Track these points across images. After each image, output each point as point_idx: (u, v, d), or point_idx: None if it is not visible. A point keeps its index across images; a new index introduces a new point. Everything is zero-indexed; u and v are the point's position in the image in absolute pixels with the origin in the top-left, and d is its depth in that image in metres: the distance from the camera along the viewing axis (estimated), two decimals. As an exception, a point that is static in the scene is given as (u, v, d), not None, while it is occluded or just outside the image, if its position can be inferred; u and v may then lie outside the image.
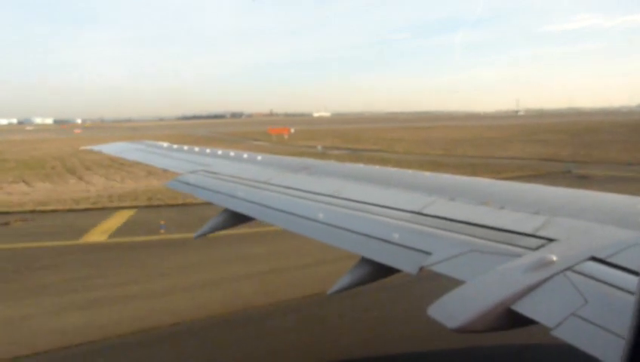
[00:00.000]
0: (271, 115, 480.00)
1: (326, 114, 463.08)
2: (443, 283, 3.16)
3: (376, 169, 7.09)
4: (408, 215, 4.36)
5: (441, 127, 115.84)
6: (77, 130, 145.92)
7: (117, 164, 40.30)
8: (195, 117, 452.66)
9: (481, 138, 70.87)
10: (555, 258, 2.78)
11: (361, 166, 7.51)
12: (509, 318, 2.50)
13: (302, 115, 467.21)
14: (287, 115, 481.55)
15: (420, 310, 3.36)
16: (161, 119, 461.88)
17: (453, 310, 2.62)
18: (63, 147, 67.14)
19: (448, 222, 3.98)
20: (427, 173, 6.14)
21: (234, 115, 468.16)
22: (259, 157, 8.48)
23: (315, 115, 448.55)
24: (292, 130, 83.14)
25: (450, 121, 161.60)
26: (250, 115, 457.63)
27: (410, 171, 6.38)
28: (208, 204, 6.73)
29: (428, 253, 3.51)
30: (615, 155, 42.66)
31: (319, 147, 58.38)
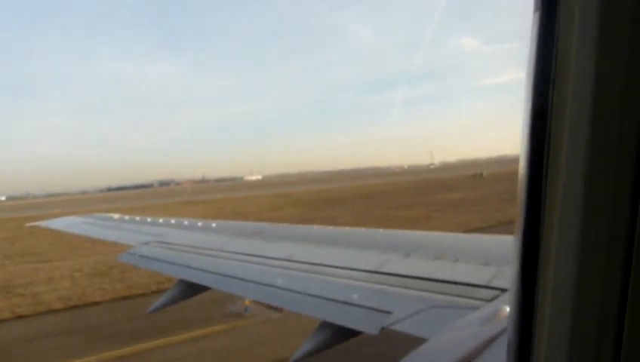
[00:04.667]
0: (203, 180, 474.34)
1: (257, 177, 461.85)
2: (405, 342, 3.03)
3: (329, 229, 7.23)
4: (365, 274, 4.35)
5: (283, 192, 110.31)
6: None
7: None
8: (120, 188, 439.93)
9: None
10: (507, 308, 2.66)
11: (314, 227, 7.70)
12: None
13: (234, 178, 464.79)
14: (219, 179, 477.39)
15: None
16: (84, 192, 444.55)
17: None
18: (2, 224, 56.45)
19: (405, 279, 4.00)
20: (380, 231, 6.38)
21: (162, 184, 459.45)
22: (213, 225, 8.46)
23: (246, 178, 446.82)
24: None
25: (332, 181, 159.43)
26: (179, 183, 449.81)
27: (363, 230, 6.92)
28: None
29: (388, 312, 3.51)
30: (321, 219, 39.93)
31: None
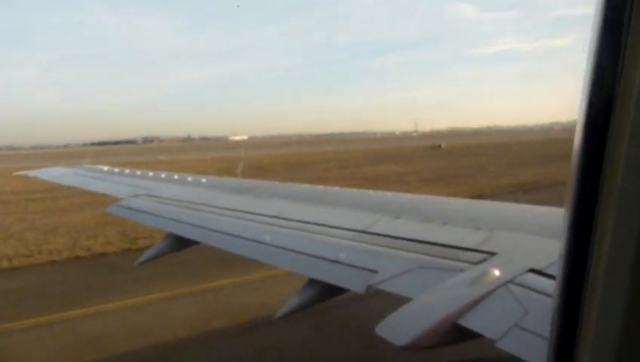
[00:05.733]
0: (187, 139, 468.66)
1: (243, 137, 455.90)
2: (392, 301, 2.98)
3: (321, 189, 7.16)
4: (354, 234, 4.37)
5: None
6: None
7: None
8: (103, 143, 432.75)
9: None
10: (496, 271, 2.83)
11: (306, 186, 7.54)
12: (456, 333, 2.54)
13: (218, 138, 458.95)
14: (203, 138, 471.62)
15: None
16: (67, 145, 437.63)
17: (401, 327, 2.64)
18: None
19: (394, 240, 4.00)
20: (371, 192, 6.33)
21: (146, 140, 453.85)
22: (203, 180, 8.42)
23: (231, 138, 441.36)
24: None
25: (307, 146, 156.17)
26: (162, 140, 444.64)
27: (354, 190, 6.61)
28: None
29: (375, 271, 3.52)
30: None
31: None
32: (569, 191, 0.92)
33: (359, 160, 65.20)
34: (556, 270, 1.02)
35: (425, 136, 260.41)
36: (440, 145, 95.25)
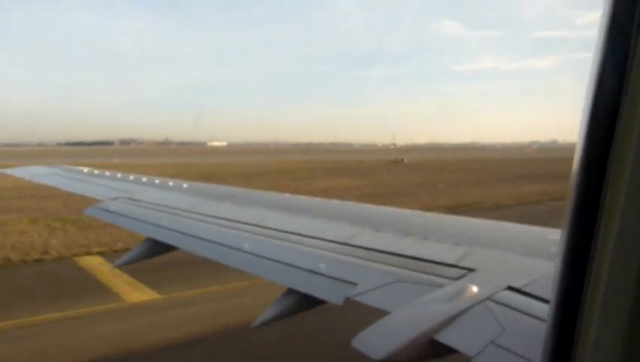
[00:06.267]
0: (165, 143, 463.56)
1: (221, 143, 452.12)
2: (368, 313, 3.00)
3: (301, 198, 7.06)
4: (334, 245, 4.33)
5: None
6: None
7: None
8: (79, 143, 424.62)
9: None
10: (474, 288, 2.83)
11: (286, 195, 7.38)
12: (433, 348, 2.54)
13: (197, 143, 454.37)
14: (181, 143, 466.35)
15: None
16: (41, 144, 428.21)
17: (378, 341, 2.63)
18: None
19: (374, 253, 3.97)
20: (352, 204, 6.25)
21: (123, 142, 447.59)
22: (184, 185, 8.27)
23: (210, 144, 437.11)
24: None
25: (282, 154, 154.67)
26: (140, 143, 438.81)
27: (335, 201, 6.47)
28: None
29: (354, 284, 3.49)
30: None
31: None
32: (568, 203, 0.91)
33: (316, 171, 63.83)
34: (551, 285, 1.00)
35: (402, 149, 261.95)
36: (403, 160, 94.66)
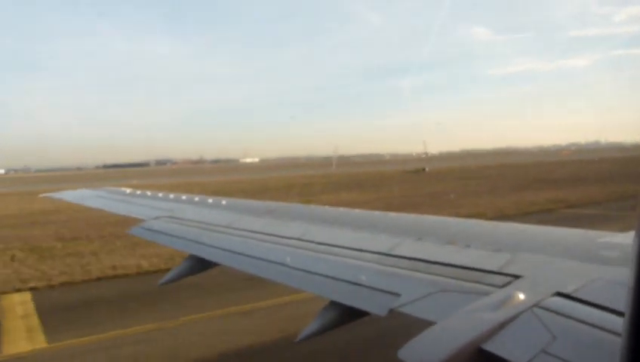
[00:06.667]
0: (199, 161, 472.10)
1: (254, 160, 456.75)
2: (413, 324, 2.95)
3: (341, 211, 6.98)
4: (376, 256, 4.31)
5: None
6: None
7: None
8: (115, 165, 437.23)
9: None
10: (521, 295, 2.76)
11: (326, 208, 7.35)
12: (480, 357, 2.46)
13: (230, 160, 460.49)
14: (214, 160, 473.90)
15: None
16: (79, 168, 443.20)
17: (424, 352, 2.55)
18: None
19: (416, 263, 3.94)
20: (393, 214, 6.14)
21: (159, 163, 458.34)
22: (223, 202, 8.37)
23: (242, 161, 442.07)
24: None
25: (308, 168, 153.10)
26: (175, 162, 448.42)
27: (376, 212, 6.37)
28: None
29: (397, 295, 3.46)
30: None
31: None
32: None
33: (328, 185, 61.93)
34: (626, 294, 0.93)
35: (435, 158, 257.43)
36: (424, 169, 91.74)
